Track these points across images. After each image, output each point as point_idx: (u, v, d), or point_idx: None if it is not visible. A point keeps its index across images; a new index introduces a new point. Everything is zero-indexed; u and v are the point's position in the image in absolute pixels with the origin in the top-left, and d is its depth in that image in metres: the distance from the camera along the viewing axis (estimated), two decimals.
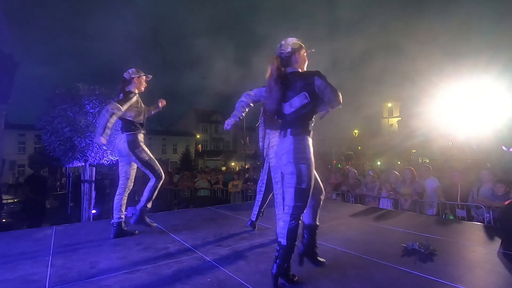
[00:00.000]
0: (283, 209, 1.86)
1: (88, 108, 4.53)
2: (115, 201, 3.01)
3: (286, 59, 1.96)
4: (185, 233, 3.06)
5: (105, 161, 4.89)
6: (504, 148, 9.01)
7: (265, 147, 3.11)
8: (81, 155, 4.60)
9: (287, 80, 1.89)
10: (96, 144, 4.57)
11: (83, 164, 4.81)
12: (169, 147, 39.34)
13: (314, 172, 1.88)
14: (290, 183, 1.82)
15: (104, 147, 4.69)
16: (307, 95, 1.83)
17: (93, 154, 4.69)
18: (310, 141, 1.88)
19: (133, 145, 2.96)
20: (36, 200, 5.86)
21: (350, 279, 1.92)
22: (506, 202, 3.52)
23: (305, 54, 2.05)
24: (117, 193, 3.03)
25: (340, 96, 1.87)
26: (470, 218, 4.33)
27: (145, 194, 3.05)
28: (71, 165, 5.24)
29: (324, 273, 2.00)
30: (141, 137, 3.06)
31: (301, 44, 2.03)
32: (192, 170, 13.19)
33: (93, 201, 4.90)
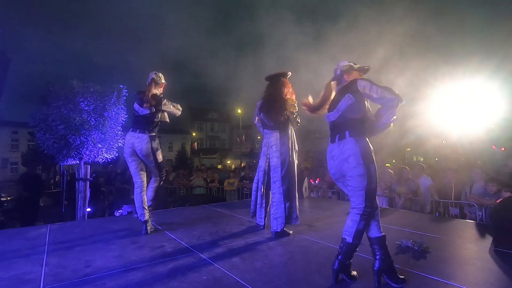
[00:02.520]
0: (352, 209, 1.87)
1: (83, 105, 4.48)
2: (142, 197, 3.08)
3: (338, 78, 2.11)
4: (181, 231, 3.07)
5: (100, 159, 4.85)
6: (494, 147, 9.16)
7: (262, 146, 3.13)
8: (76, 153, 4.55)
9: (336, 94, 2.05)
10: (91, 142, 4.54)
11: (78, 162, 4.76)
12: (164, 145, 39.12)
13: None
14: (360, 185, 1.82)
15: (99, 145, 4.66)
16: (352, 96, 1.89)
17: (87, 152, 4.64)
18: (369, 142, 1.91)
19: (155, 146, 3.10)
20: (30, 198, 5.80)
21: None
22: (498, 201, 3.59)
23: (355, 73, 2.09)
24: (141, 190, 3.09)
25: (396, 92, 1.83)
26: (463, 216, 4.40)
27: (150, 194, 3.18)
28: (65, 163, 5.19)
29: (320, 271, 2.03)
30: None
31: (352, 65, 2.09)
32: (188, 168, 13.15)
33: (87, 199, 4.87)
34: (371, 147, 1.88)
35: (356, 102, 1.89)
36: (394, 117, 1.91)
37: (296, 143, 3.11)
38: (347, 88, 1.96)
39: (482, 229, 3.13)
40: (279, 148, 2.95)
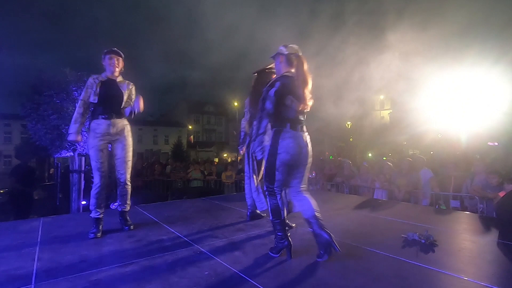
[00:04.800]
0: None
1: (76, 94, 4.33)
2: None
3: None
4: (179, 225, 2.98)
5: None
6: (490, 143, 9.18)
7: (247, 138, 3.10)
8: (69, 144, 4.41)
9: None
10: (85, 133, 4.39)
11: (72, 153, 4.63)
12: (160, 138, 38.92)
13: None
14: None
15: None
16: None
17: (82, 143, 4.50)
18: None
19: None
20: (23, 191, 5.66)
21: (350, 270, 1.87)
22: (501, 194, 3.55)
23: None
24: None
25: None
26: (464, 209, 4.37)
27: None
28: (59, 155, 5.04)
29: (324, 264, 1.95)
30: None
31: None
32: (185, 161, 13.03)
33: (82, 191, 4.75)
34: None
35: None
36: None
37: None
38: None
39: (486, 221, 3.09)
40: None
